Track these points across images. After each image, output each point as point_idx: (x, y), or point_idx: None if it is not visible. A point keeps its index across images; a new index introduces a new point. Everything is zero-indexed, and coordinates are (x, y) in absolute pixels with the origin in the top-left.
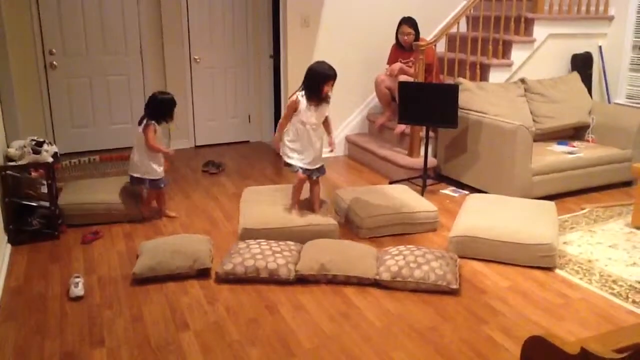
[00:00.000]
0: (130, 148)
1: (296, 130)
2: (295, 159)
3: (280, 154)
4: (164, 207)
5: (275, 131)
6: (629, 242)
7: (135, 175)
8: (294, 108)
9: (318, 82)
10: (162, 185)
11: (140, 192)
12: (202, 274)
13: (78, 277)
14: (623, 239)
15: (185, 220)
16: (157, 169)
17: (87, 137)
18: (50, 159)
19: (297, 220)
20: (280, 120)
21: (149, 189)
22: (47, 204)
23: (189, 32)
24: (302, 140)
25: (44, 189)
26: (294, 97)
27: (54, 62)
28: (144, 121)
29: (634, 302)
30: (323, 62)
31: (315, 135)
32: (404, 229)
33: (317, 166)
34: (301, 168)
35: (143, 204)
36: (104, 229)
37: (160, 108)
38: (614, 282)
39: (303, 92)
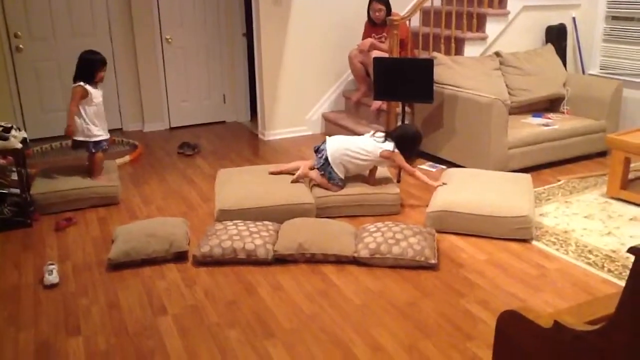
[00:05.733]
0: None
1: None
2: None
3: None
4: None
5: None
6: (604, 212)
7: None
8: None
9: None
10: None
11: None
12: (179, 257)
13: (52, 264)
14: (598, 209)
15: (161, 203)
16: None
17: (58, 121)
18: (19, 145)
19: (274, 199)
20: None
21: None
22: (17, 191)
23: (159, 11)
24: None
25: (14, 176)
26: None
27: (20, 46)
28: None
29: (609, 271)
30: None
31: None
32: (361, 211)
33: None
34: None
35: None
36: (77, 214)
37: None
38: (590, 252)
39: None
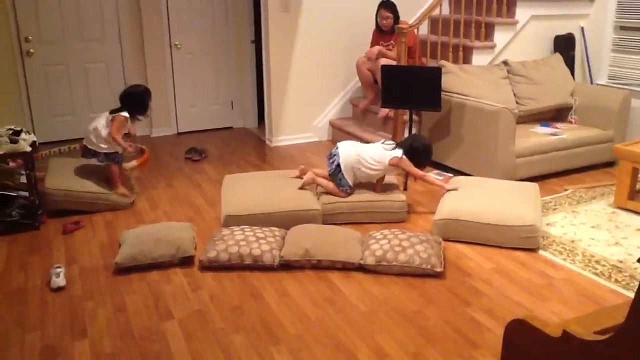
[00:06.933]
0: None
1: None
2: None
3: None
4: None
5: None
6: (612, 222)
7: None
8: None
9: None
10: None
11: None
12: (186, 261)
13: (59, 267)
14: (605, 219)
15: (168, 207)
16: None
17: (67, 125)
18: (29, 148)
19: (280, 205)
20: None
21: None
22: (26, 194)
23: (168, 17)
24: None
25: (23, 179)
26: None
27: (31, 50)
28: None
29: (616, 281)
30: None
31: None
32: (367, 218)
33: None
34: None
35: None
36: (85, 218)
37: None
38: (597, 262)
39: None
